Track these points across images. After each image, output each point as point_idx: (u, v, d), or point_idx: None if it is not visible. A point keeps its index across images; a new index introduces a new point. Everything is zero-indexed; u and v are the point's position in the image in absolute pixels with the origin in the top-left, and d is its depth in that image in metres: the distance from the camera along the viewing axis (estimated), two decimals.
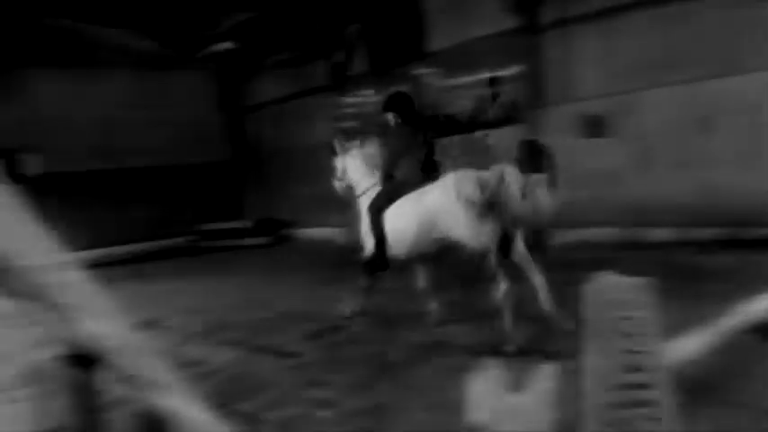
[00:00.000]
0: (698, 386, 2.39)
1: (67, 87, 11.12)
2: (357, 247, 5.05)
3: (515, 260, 4.10)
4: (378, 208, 4.65)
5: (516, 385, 1.38)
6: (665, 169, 7.45)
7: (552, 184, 6.31)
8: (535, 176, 4.45)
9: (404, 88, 8.54)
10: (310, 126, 11.82)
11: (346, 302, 5.00)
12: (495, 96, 5.92)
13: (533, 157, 6.53)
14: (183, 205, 12.39)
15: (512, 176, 3.93)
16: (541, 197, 5.37)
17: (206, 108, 13.24)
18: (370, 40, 10.88)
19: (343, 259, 6.81)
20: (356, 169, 5.01)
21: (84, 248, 6.79)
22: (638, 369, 1.26)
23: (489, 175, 3.98)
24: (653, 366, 1.27)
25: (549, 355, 3.32)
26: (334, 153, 5.29)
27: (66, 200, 9.28)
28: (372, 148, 5.03)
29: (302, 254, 10.38)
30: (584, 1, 8.01)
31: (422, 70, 10.05)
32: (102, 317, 1.29)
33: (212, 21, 10.99)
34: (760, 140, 6.76)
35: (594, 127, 7.93)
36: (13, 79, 10.28)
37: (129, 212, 11.47)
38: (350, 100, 11.23)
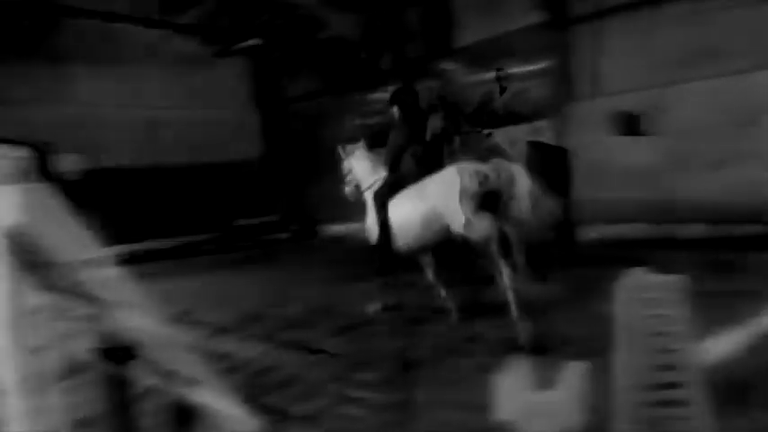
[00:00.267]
0: (732, 387, 2.33)
1: (108, 85, 11.35)
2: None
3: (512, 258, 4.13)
4: (381, 199, 4.78)
5: (545, 383, 1.37)
6: (701, 167, 7.25)
7: (560, 190, 6.00)
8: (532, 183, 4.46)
9: (432, 84, 8.51)
10: (340, 122, 11.87)
11: (374, 298, 5.03)
12: (502, 91, 5.80)
13: (541, 161, 6.38)
14: (217, 201, 12.54)
15: (521, 178, 3.97)
16: (544, 203, 5.33)
17: (242, 105, 13.35)
18: (399, 35, 10.87)
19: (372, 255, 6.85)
20: (361, 167, 5.23)
21: (120, 243, 6.97)
22: (670, 368, 1.24)
23: (489, 168, 4.02)
24: (686, 365, 1.25)
25: (566, 352, 3.28)
26: (340, 158, 5.50)
27: (103, 196, 9.49)
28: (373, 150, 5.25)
29: (333, 249, 10.44)
30: None
31: (449, 65, 10.00)
32: (138, 312, 1.32)
33: (248, 17, 11.15)
34: None
35: (629, 124, 7.75)
36: (56, 78, 10.55)
37: (165, 209, 11.67)
38: (377, 96, 11.24)
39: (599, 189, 7.26)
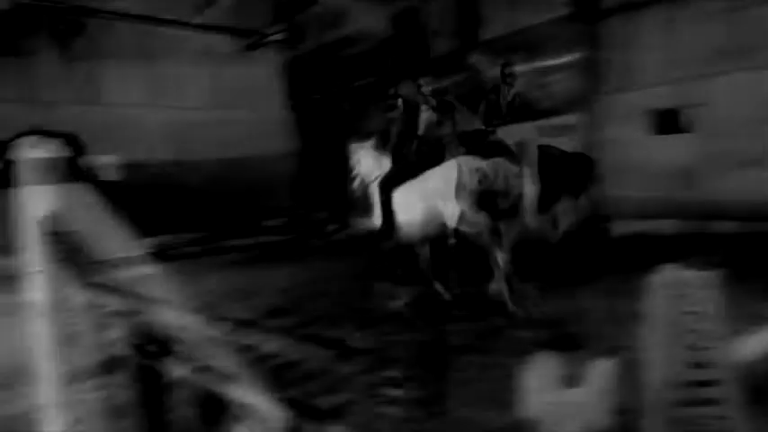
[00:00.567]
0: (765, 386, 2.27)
1: (141, 85, 11.56)
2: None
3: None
4: (385, 187, 5.00)
5: (572, 380, 1.36)
6: (738, 164, 7.00)
7: (574, 193, 5.78)
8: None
9: (459, 77, 8.48)
10: (366, 117, 11.88)
11: (399, 293, 5.06)
12: (508, 87, 5.70)
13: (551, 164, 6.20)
14: (249, 196, 12.67)
15: (525, 180, 4.06)
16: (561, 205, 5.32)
17: (275, 101, 13.48)
18: (426, 28, 10.83)
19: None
20: (368, 160, 5.46)
21: (154, 236, 7.16)
22: (703, 366, 1.22)
23: (489, 166, 4.08)
24: (720, 363, 1.22)
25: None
26: (350, 155, 5.72)
27: (134, 191, 9.69)
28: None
29: (360, 244, 10.47)
30: None
31: (477, 58, 9.92)
32: (174, 308, 1.35)
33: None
34: None
35: (668, 122, 7.53)
36: (90, 78, 10.80)
37: (196, 204, 11.87)
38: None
39: (628, 185, 7.11)
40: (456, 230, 4.39)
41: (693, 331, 1.23)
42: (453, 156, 4.81)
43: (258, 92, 13.05)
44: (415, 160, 4.96)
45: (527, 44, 8.94)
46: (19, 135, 1.62)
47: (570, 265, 5.19)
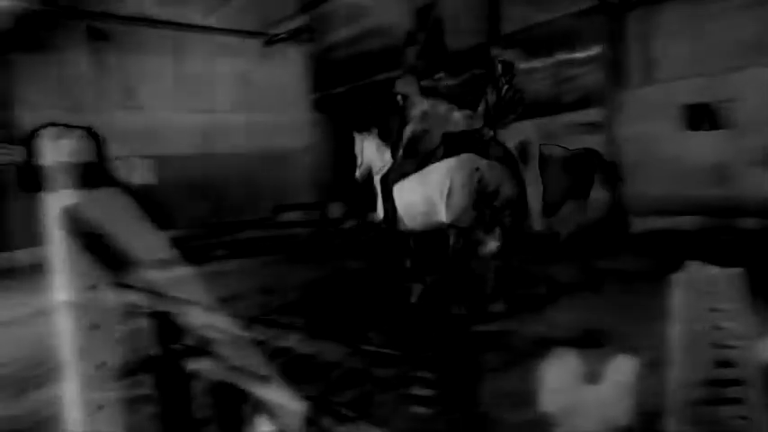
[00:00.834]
0: None
1: (171, 91, 11.70)
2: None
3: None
4: (387, 181, 5.09)
5: (592, 377, 1.34)
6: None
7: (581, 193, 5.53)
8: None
9: (478, 71, 8.43)
10: (387, 111, 11.83)
11: (414, 288, 5.07)
12: (508, 82, 5.55)
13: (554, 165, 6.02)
14: (270, 188, 12.77)
15: (532, 185, 4.09)
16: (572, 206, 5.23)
17: (298, 93, 13.57)
18: (445, 22, 10.77)
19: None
20: (372, 151, 5.54)
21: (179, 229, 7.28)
22: (728, 365, 1.19)
23: (488, 168, 4.12)
24: (745, 362, 1.20)
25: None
26: (354, 145, 5.84)
27: (165, 188, 9.88)
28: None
29: (378, 238, 10.47)
30: None
31: (497, 52, 9.82)
32: (206, 309, 1.36)
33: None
34: None
35: (702, 118, 7.33)
36: (121, 86, 10.96)
37: (217, 197, 12.01)
38: (423, 84, 11.17)
39: (649, 181, 6.98)
40: (452, 227, 4.48)
41: (718, 329, 1.21)
42: (448, 155, 4.83)
43: (283, 89, 13.19)
44: (416, 156, 5.02)
45: (550, 37, 8.83)
46: (39, 128, 1.64)
47: (583, 264, 5.15)
